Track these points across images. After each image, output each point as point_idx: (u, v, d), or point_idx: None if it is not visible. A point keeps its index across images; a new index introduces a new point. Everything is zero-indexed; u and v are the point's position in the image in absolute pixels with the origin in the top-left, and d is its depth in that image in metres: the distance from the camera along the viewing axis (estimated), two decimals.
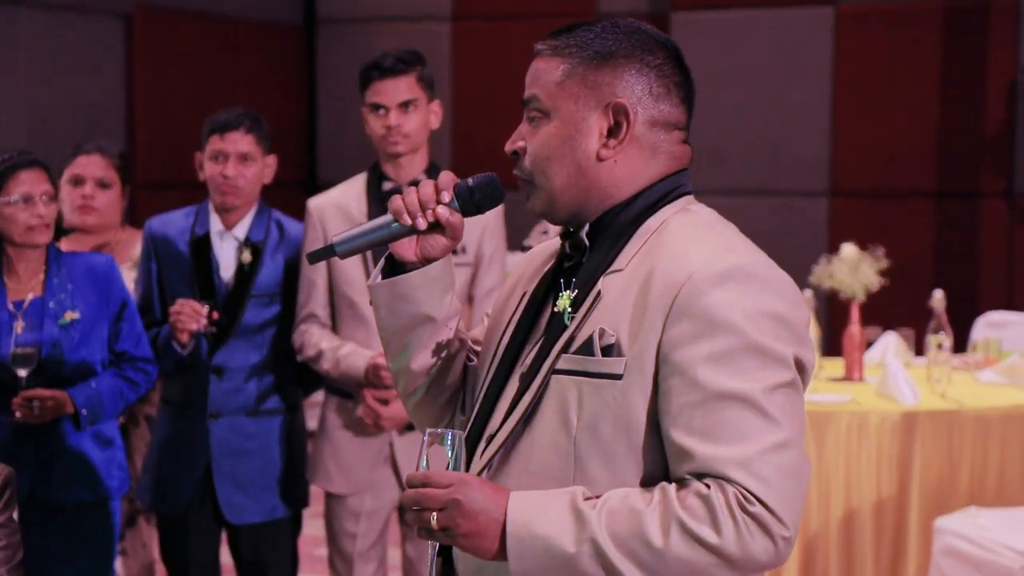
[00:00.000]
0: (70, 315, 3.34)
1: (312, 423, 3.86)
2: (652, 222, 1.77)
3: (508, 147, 1.83)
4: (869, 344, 5.13)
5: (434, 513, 1.68)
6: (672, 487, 1.65)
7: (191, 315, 3.50)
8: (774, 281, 1.70)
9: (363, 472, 3.57)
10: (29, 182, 3.30)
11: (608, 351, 1.70)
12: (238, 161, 3.59)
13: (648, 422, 1.69)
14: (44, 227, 3.32)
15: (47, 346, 3.31)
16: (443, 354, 1.91)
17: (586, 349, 1.72)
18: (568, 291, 1.78)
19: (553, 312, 1.79)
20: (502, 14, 7.93)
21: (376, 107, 3.50)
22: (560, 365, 1.74)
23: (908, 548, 4.29)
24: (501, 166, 7.12)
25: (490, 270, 3.59)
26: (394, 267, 1.86)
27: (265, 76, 8.10)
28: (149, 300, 3.68)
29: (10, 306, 3.35)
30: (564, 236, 1.85)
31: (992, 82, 7.04)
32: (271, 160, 3.70)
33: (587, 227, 1.80)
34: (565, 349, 1.74)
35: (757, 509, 1.61)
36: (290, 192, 7.46)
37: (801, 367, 1.70)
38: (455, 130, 8.03)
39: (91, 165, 3.92)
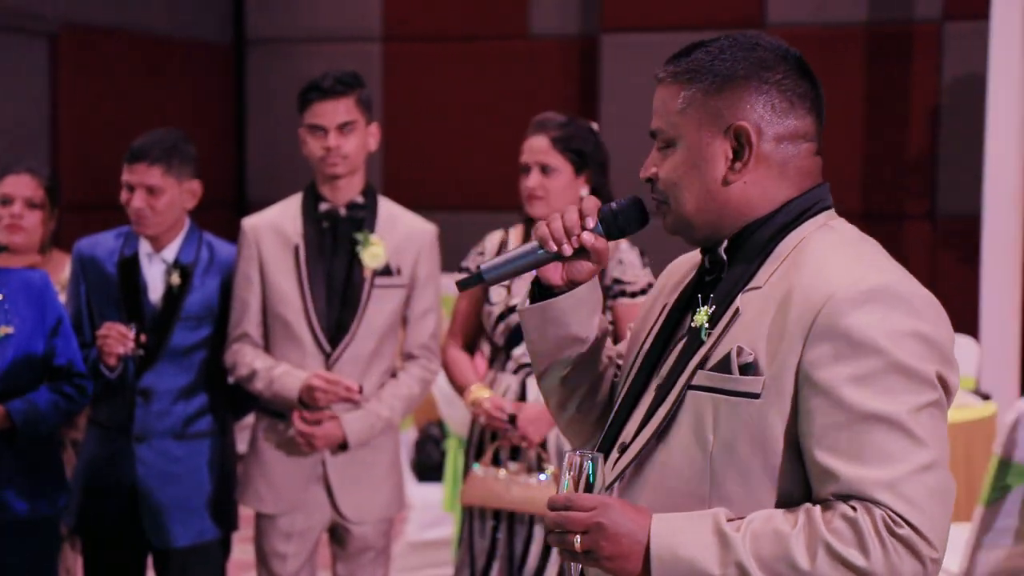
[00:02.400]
0: (4, 330, 3.30)
1: (243, 446, 3.82)
2: (791, 239, 1.78)
3: (642, 174, 1.86)
4: None
5: (577, 536, 1.70)
6: (817, 509, 1.65)
7: (118, 338, 3.46)
8: (917, 300, 1.69)
9: (294, 491, 3.55)
10: None
11: (746, 369, 1.71)
12: (144, 193, 3.55)
13: (786, 442, 1.69)
14: None
15: None
16: (592, 372, 1.96)
17: (724, 367, 1.73)
18: (706, 306, 1.79)
19: (690, 327, 1.80)
20: (433, 35, 7.94)
21: (315, 128, 3.50)
22: (696, 381, 1.75)
23: None
24: (431, 186, 7.15)
25: (424, 292, 3.59)
26: (541, 291, 1.91)
27: (193, 96, 8.03)
28: (79, 322, 3.64)
29: None
30: (704, 250, 1.86)
31: (915, 104, 7.18)
32: (194, 185, 3.65)
33: (725, 243, 1.81)
34: (702, 365, 1.75)
35: (905, 532, 1.61)
36: (220, 212, 7.40)
37: (946, 386, 1.69)
38: (386, 150, 8.02)
39: (20, 185, 3.88)
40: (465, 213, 7.28)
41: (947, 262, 7.06)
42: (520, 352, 3.53)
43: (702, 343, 1.77)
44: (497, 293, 3.57)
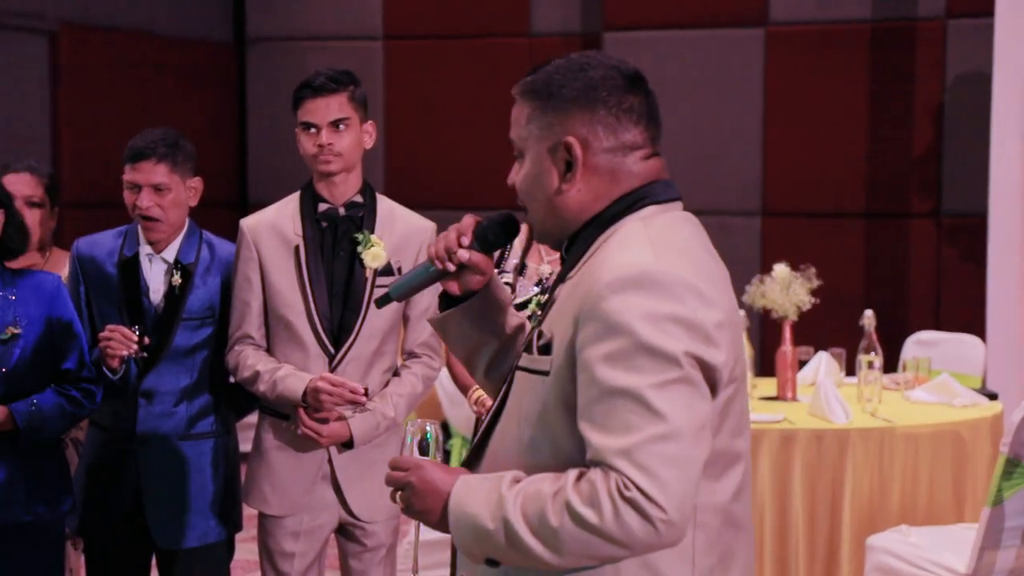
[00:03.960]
0: (11, 330, 3.29)
1: (246, 445, 3.80)
2: (608, 232, 1.96)
3: (508, 182, 2.07)
4: (801, 364, 5.16)
5: (398, 493, 1.97)
6: (574, 473, 1.84)
7: (122, 341, 3.44)
8: (677, 287, 1.84)
9: (300, 492, 3.53)
10: None
11: (543, 350, 1.93)
12: (151, 191, 3.54)
13: (566, 414, 1.88)
14: None
15: None
16: (510, 363, 2.13)
17: (529, 348, 1.97)
18: (538, 296, 2.05)
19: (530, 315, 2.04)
20: (434, 33, 7.92)
21: (308, 126, 3.48)
22: (520, 362, 1.99)
23: (841, 566, 4.31)
24: (433, 185, 7.12)
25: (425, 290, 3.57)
26: (449, 300, 2.19)
27: (194, 95, 8.01)
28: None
29: None
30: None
31: (920, 103, 7.15)
32: (196, 183, 3.64)
33: (567, 241, 2.02)
34: (526, 348, 1.99)
35: (633, 494, 1.77)
36: (221, 212, 7.37)
37: (705, 365, 1.84)
38: (388, 149, 8.00)
39: (20, 183, 3.86)
40: (467, 212, 7.25)
41: (952, 261, 7.03)
42: None
43: (534, 329, 1.99)
44: None
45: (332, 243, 3.53)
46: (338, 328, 3.51)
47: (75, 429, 3.87)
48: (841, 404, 4.44)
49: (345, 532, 3.61)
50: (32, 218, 3.85)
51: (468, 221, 2.13)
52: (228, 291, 3.62)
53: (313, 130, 3.47)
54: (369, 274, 3.52)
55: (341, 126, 3.47)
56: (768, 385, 5.01)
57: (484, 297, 2.17)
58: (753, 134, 7.26)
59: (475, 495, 1.89)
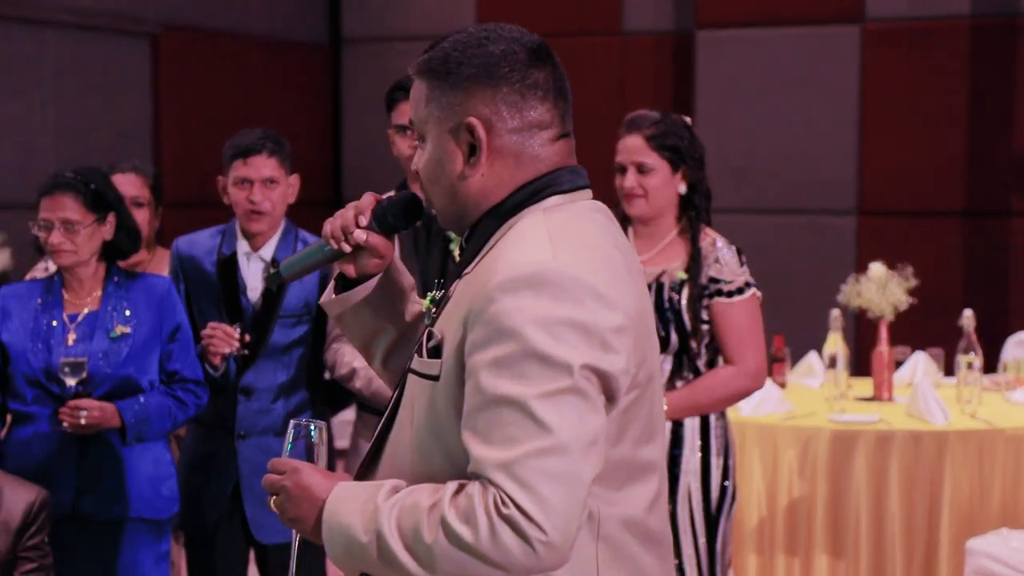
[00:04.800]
0: (120, 329, 3.37)
1: (342, 441, 3.85)
2: (507, 225, 1.80)
3: (412, 167, 1.95)
4: (898, 364, 5.09)
5: (273, 497, 1.84)
6: (453, 486, 1.68)
7: (223, 338, 3.51)
8: (572, 287, 1.68)
9: None
10: (50, 207, 3.33)
11: (432, 353, 1.77)
12: (263, 185, 3.60)
13: (456, 421, 1.72)
14: (65, 253, 3.34)
15: (95, 358, 3.34)
16: (408, 352, 1.99)
17: (419, 350, 1.81)
18: (433, 292, 1.88)
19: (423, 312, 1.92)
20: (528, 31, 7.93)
21: (401, 128, 3.51)
22: (411, 364, 1.84)
23: (939, 570, 4.25)
24: None
25: None
26: (345, 283, 2.00)
27: (290, 95, 8.12)
28: None
29: (65, 318, 3.39)
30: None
31: (1021, 98, 7.00)
32: (294, 180, 3.70)
33: (467, 232, 1.87)
34: (418, 350, 1.82)
35: (511, 512, 1.62)
36: (315, 211, 7.46)
37: (602, 374, 1.68)
38: None
39: (127, 184, 3.95)
40: None
41: None
42: None
43: (427, 326, 1.84)
44: None
45: (426, 241, 3.55)
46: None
47: None
48: (939, 405, 4.38)
49: None
50: (138, 218, 3.94)
51: (368, 199, 1.94)
52: (324, 289, 3.66)
53: (407, 132, 3.50)
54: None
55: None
56: (864, 385, 4.95)
57: (383, 282, 1.98)
58: (848, 132, 7.17)
59: (350, 504, 1.73)
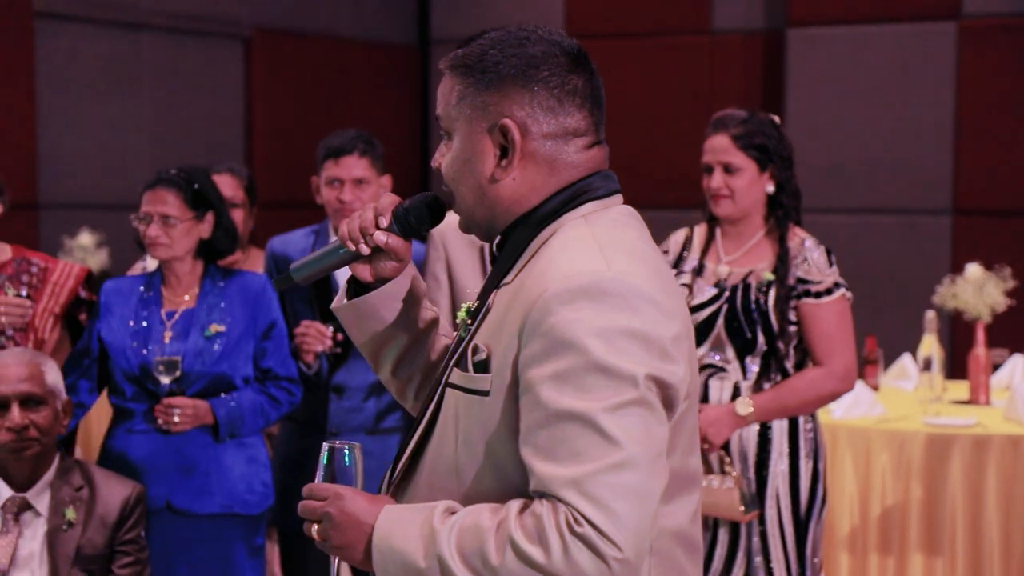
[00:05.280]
0: (215, 327, 3.43)
1: None
2: (546, 232, 1.75)
3: (432, 164, 1.87)
4: (995, 367, 5.00)
5: (315, 525, 1.76)
6: (517, 505, 1.64)
7: (317, 337, 3.55)
8: (631, 297, 1.64)
9: None
10: (151, 201, 3.41)
11: (479, 367, 1.71)
12: (354, 186, 3.63)
13: (512, 438, 1.67)
14: (161, 246, 3.41)
15: (190, 356, 3.39)
16: (424, 361, 1.97)
17: (463, 364, 1.74)
18: (469, 303, 1.81)
19: (456, 323, 1.83)
20: (616, 32, 7.91)
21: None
22: (451, 379, 1.77)
23: None
24: (631, 177, 7.00)
25: None
26: (359, 288, 1.93)
27: (380, 96, 8.18)
28: None
29: (163, 315, 3.45)
30: (490, 246, 1.87)
31: None
32: (386, 180, 3.73)
33: (498, 239, 1.82)
34: (457, 362, 1.76)
35: (585, 530, 1.58)
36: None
37: (663, 384, 1.65)
38: None
39: (222, 185, 4.01)
40: (647, 211, 7.23)
41: None
42: (702, 353, 3.48)
43: (463, 340, 1.77)
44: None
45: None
46: None
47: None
48: None
49: None
50: (233, 218, 4.00)
51: (387, 200, 1.87)
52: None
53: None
54: None
55: None
56: (959, 388, 4.87)
57: (398, 287, 1.91)
58: (944, 130, 7.04)
59: (403, 528, 1.67)
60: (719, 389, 3.45)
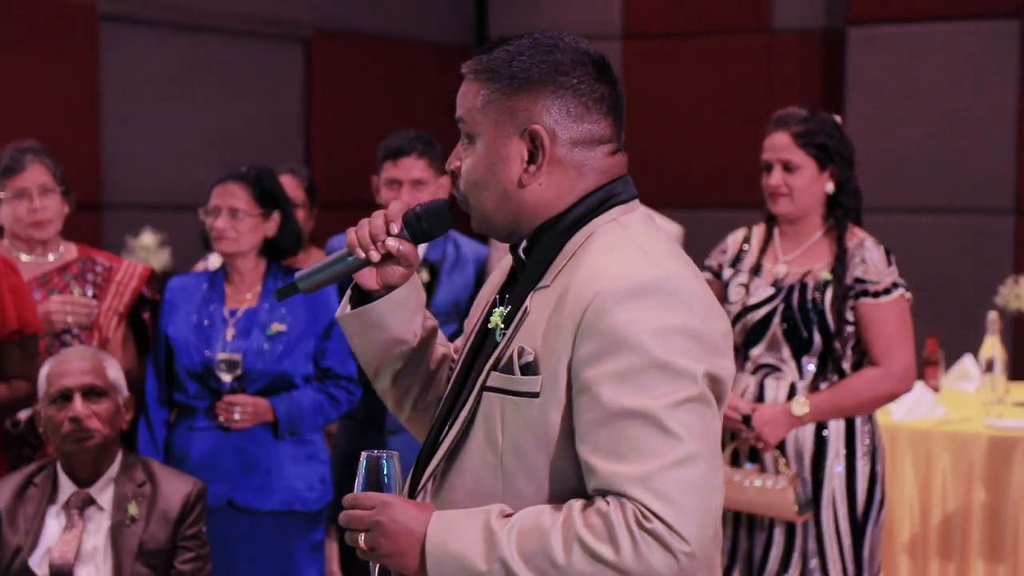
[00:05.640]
0: (277, 327, 3.47)
1: None
2: (579, 236, 1.78)
3: (448, 166, 1.87)
4: None
5: (361, 534, 1.74)
6: (579, 504, 1.66)
7: None
8: (684, 295, 1.68)
9: None
10: (221, 195, 3.47)
11: (527, 369, 1.72)
12: (412, 187, 3.66)
13: (566, 438, 1.70)
14: (227, 239, 3.47)
15: (251, 354, 3.44)
16: (424, 371, 1.96)
17: (508, 367, 1.74)
18: (501, 307, 1.81)
19: (487, 328, 1.82)
20: (673, 32, 7.89)
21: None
22: (490, 382, 1.76)
23: None
24: (671, 185, 7.05)
25: None
26: (362, 296, 1.92)
27: (439, 96, 8.21)
28: None
29: (225, 313, 3.50)
30: (513, 248, 1.86)
31: None
32: (444, 181, 3.75)
33: (524, 243, 1.82)
34: (495, 366, 1.76)
35: (655, 526, 1.61)
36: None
37: (716, 379, 1.69)
38: (628, 148, 8.00)
39: (284, 186, 4.06)
40: (707, 211, 7.21)
41: None
42: (758, 352, 3.47)
43: (497, 344, 1.77)
44: (736, 292, 3.52)
45: None
46: None
47: None
48: None
49: None
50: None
51: (397, 207, 1.87)
52: (479, 288, 3.71)
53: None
54: None
55: None
56: (1022, 390, 4.81)
57: (405, 295, 1.89)
58: (1007, 129, 6.95)
59: (459, 533, 1.68)
60: (775, 389, 3.44)
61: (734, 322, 3.50)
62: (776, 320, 3.44)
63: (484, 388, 1.77)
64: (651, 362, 1.63)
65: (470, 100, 1.81)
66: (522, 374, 1.72)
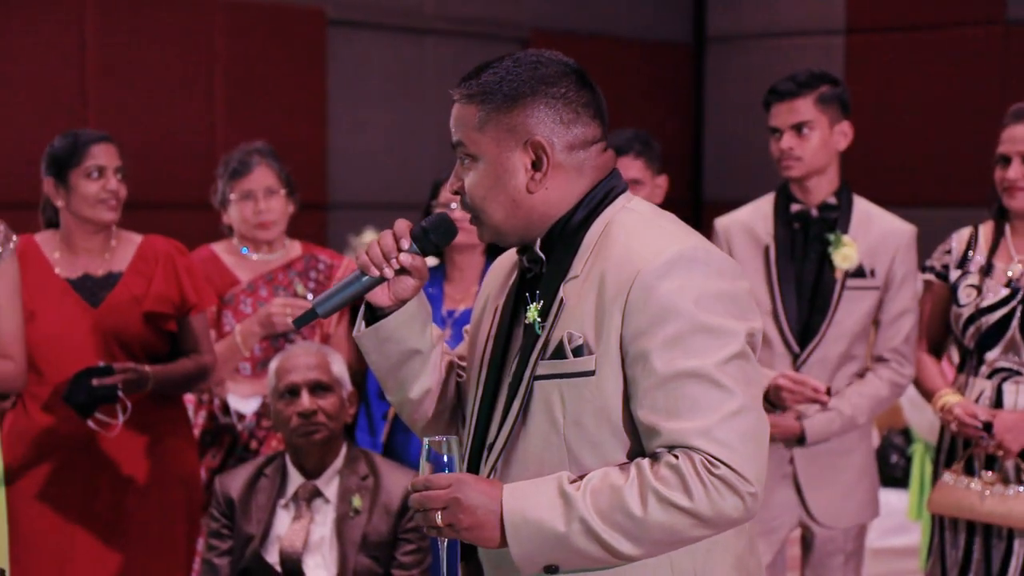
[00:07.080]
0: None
1: None
2: (596, 227, 1.95)
3: (449, 188, 2.02)
4: None
5: (438, 512, 1.87)
6: (646, 461, 1.84)
7: None
8: (713, 263, 1.88)
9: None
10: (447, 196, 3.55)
11: (578, 352, 1.89)
12: (629, 186, 3.66)
13: (624, 407, 1.87)
14: (463, 230, 3.53)
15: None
16: (436, 378, 2.09)
17: (559, 353, 1.90)
18: (535, 303, 1.95)
19: (525, 324, 1.96)
20: (898, 26, 7.66)
21: (773, 131, 3.49)
22: (540, 371, 1.92)
23: None
24: (899, 182, 6.84)
25: (900, 294, 3.46)
26: (373, 313, 2.04)
27: (655, 95, 8.18)
28: None
29: (443, 313, 3.57)
30: (520, 251, 2.02)
31: None
32: (662, 181, 3.74)
33: (539, 242, 1.97)
34: (542, 356, 1.92)
35: (723, 471, 1.80)
36: (675, 210, 7.48)
37: (751, 334, 1.88)
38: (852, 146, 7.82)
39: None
40: (936, 209, 6.97)
41: None
42: (994, 356, 3.34)
43: (538, 336, 1.92)
44: (967, 294, 3.40)
45: (803, 244, 3.50)
46: (804, 328, 3.47)
47: None
48: None
49: (805, 535, 3.56)
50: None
51: (402, 224, 2.01)
52: None
53: (778, 135, 3.47)
54: (839, 275, 3.46)
55: (804, 129, 3.44)
56: None
57: (416, 306, 2.03)
58: None
59: (533, 500, 1.84)
60: (1014, 393, 3.31)
61: (966, 325, 3.38)
62: (1015, 322, 3.31)
63: (535, 378, 1.92)
64: (697, 326, 1.83)
65: (467, 123, 1.96)
66: (575, 356, 1.88)
